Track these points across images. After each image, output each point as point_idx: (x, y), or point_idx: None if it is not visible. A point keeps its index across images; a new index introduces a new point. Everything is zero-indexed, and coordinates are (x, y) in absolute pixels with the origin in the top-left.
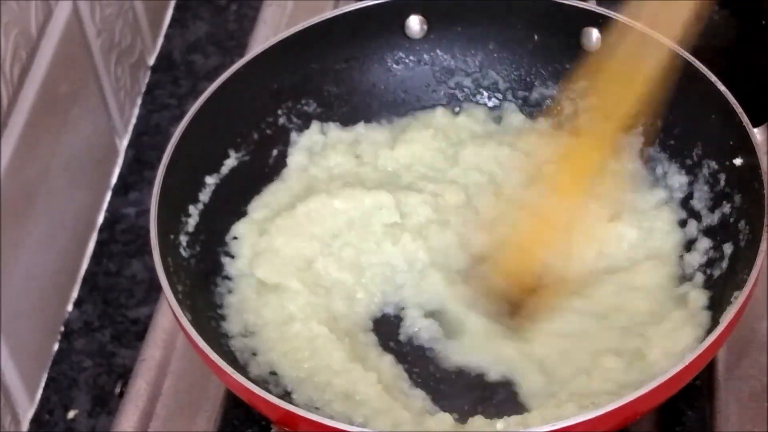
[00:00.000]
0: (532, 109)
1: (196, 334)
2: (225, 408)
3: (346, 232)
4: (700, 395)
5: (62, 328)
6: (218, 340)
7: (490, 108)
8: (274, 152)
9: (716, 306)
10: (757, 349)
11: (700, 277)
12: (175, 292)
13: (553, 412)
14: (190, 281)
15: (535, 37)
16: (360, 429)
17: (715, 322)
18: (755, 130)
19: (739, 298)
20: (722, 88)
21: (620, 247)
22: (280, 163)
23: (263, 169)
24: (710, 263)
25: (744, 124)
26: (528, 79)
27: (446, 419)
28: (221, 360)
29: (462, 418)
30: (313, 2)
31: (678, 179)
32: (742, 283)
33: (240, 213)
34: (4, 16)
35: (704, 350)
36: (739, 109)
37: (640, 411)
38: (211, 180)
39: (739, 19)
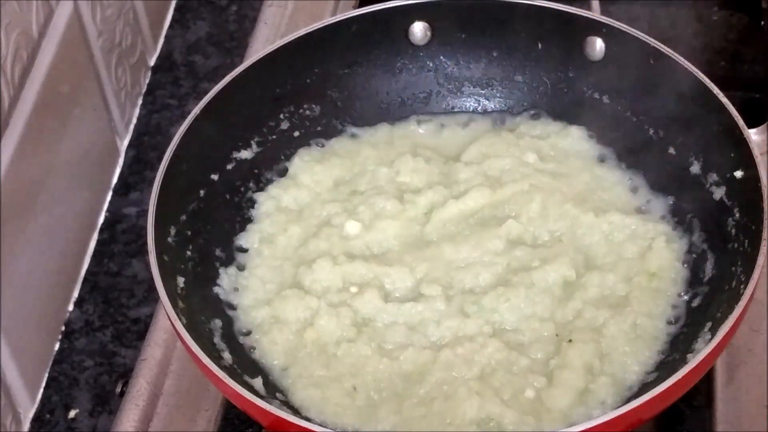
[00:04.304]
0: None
1: (189, 337)
2: (225, 408)
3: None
4: (699, 395)
5: (63, 328)
6: (213, 343)
7: (492, 115)
8: (276, 157)
9: (714, 316)
10: (757, 350)
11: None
12: (171, 296)
13: None
14: (186, 284)
15: (539, 45)
16: None
17: (713, 333)
18: (752, 130)
19: (735, 311)
20: (724, 100)
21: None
22: (281, 167)
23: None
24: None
25: (745, 137)
26: (531, 87)
27: None
28: (214, 364)
29: None
30: (313, 3)
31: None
32: (740, 296)
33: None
34: (5, 16)
35: (699, 362)
36: (740, 122)
37: (645, 417)
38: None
39: (739, 19)
